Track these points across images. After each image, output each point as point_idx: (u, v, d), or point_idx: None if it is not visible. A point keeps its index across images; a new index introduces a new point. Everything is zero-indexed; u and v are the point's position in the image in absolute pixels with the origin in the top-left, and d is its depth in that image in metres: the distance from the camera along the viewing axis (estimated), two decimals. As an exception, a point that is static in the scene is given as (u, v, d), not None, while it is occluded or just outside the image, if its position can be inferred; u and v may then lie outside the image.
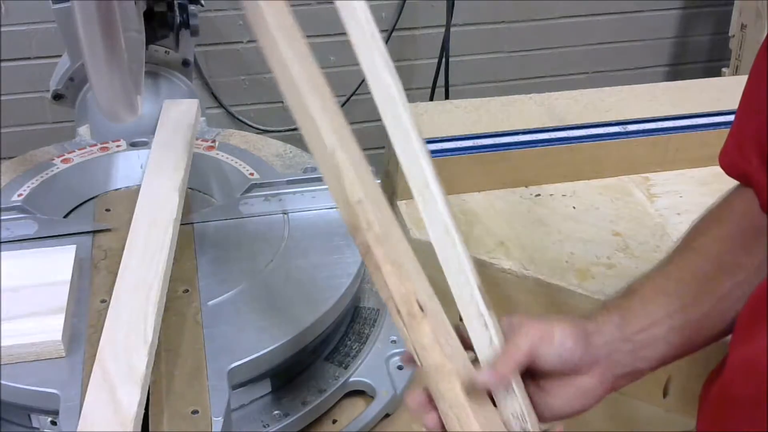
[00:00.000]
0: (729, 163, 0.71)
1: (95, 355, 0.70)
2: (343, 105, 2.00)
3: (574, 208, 1.11)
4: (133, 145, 1.05)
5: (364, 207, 0.62)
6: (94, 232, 0.91)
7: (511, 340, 0.61)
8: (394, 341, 0.87)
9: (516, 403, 0.61)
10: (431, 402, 0.61)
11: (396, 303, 0.60)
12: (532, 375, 0.63)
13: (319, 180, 0.96)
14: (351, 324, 0.89)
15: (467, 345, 0.63)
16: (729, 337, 0.66)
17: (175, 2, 1.09)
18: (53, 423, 0.74)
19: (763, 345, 0.58)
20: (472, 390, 0.59)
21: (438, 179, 0.66)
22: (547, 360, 0.61)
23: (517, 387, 0.61)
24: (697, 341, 0.67)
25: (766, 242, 0.66)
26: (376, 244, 0.61)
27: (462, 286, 0.64)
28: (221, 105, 2.01)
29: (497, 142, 1.14)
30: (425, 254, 1.02)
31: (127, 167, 1.02)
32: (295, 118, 0.65)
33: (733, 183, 0.72)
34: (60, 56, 1.13)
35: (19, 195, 0.94)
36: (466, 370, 0.60)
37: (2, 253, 0.83)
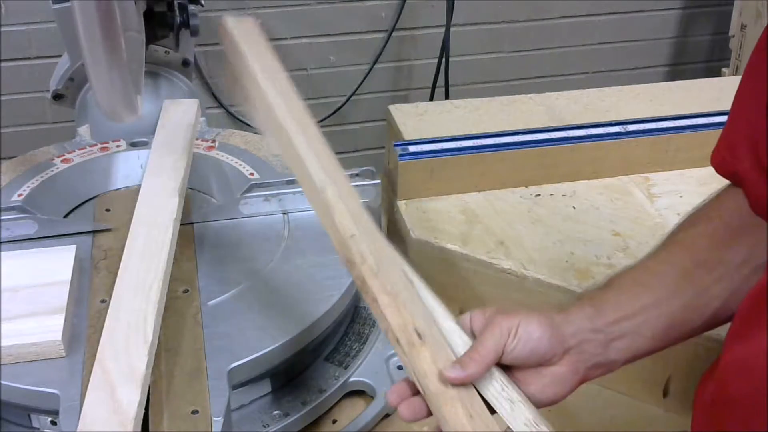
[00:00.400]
0: (720, 162, 0.71)
1: (95, 355, 0.70)
2: (342, 105, 2.00)
3: (574, 208, 1.11)
4: (133, 145, 1.05)
5: (357, 241, 0.63)
6: (94, 232, 0.91)
7: (478, 338, 0.63)
8: (394, 341, 0.87)
9: (526, 412, 0.61)
10: (411, 392, 0.62)
11: (395, 333, 0.61)
12: (506, 366, 0.64)
13: (319, 180, 0.96)
14: (351, 324, 0.89)
15: None
16: (724, 335, 0.66)
17: (175, 2, 1.09)
18: (53, 423, 0.74)
19: (761, 344, 0.58)
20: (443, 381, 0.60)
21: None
22: (515, 353, 0.63)
23: (520, 397, 0.62)
24: (672, 335, 0.67)
25: (767, 241, 0.66)
26: (371, 277, 0.62)
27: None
28: (221, 105, 2.01)
29: (497, 142, 1.14)
30: (426, 254, 1.03)
31: (127, 167, 1.02)
32: (284, 158, 0.67)
33: (731, 183, 0.72)
34: (60, 56, 1.13)
35: (19, 195, 0.94)
36: (469, 395, 0.61)
37: (2, 253, 0.83)
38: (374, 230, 0.66)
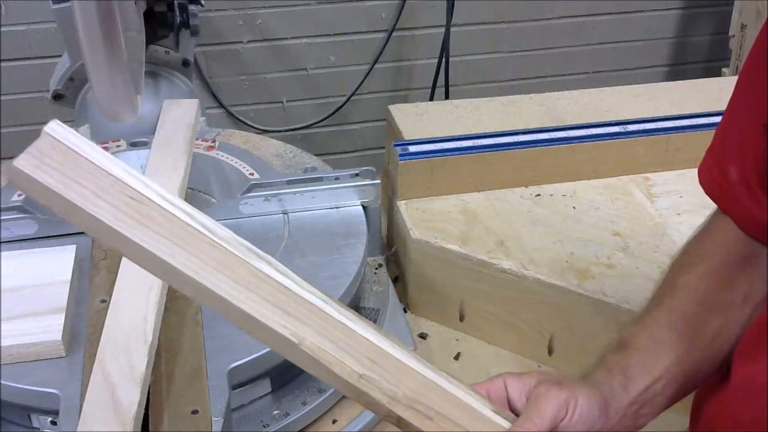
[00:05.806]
0: (709, 183, 0.69)
1: (95, 355, 0.70)
2: (342, 105, 2.00)
3: (574, 208, 1.11)
4: (133, 145, 1.05)
5: (370, 378, 0.52)
6: (94, 232, 0.91)
7: (535, 406, 0.58)
8: (394, 341, 0.86)
9: None
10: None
11: None
12: None
13: (319, 180, 0.96)
14: (351, 324, 0.88)
15: None
16: None
17: (175, 2, 1.09)
18: (53, 423, 0.74)
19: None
20: None
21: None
22: (569, 427, 0.58)
23: None
24: (689, 388, 0.66)
25: (766, 265, 0.65)
26: (406, 410, 0.53)
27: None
28: (221, 105, 2.01)
29: (497, 142, 1.14)
30: (426, 254, 1.03)
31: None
32: (240, 327, 0.54)
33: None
34: (60, 56, 1.13)
35: (19, 195, 0.94)
36: None
37: (2, 253, 0.83)
38: (381, 344, 0.54)
